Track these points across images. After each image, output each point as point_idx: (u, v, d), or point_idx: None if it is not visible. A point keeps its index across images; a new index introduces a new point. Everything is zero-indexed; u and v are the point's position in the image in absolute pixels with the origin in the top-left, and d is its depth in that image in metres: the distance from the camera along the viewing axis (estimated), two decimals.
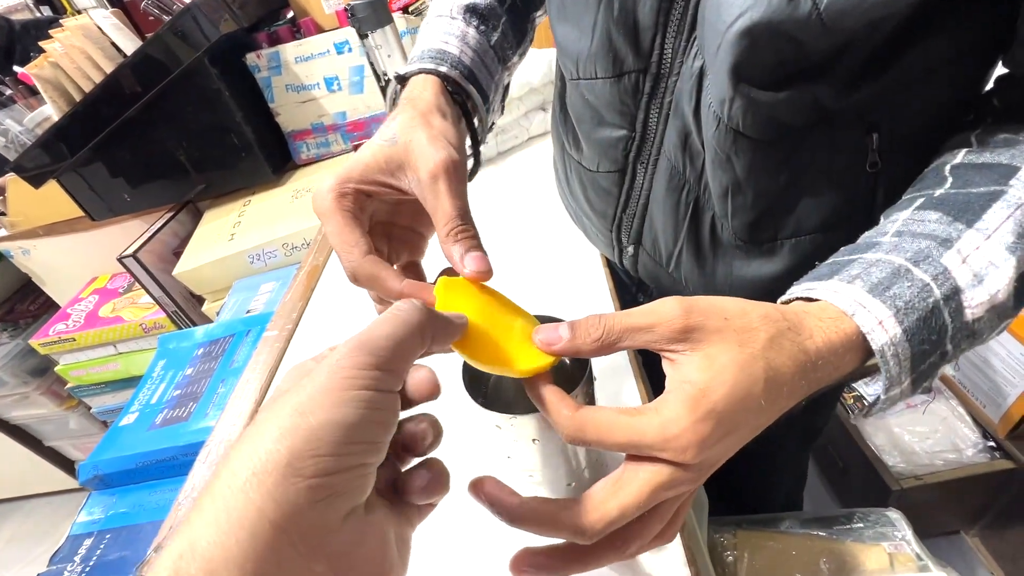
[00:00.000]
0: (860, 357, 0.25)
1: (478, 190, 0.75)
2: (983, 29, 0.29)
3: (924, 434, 0.99)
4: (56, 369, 1.19)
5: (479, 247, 0.27)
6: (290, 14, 1.00)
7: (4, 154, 0.95)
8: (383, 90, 0.93)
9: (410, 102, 0.33)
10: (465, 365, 0.28)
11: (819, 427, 0.65)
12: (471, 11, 0.39)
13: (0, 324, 1.40)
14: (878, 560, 0.49)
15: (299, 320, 0.61)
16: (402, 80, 0.36)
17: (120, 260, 0.98)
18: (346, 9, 0.85)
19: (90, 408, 1.49)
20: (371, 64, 0.91)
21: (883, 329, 0.24)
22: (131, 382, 1.21)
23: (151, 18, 0.98)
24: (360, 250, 0.28)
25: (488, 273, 0.27)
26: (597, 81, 0.37)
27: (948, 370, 1.01)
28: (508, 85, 0.46)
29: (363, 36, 0.85)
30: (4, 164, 1.23)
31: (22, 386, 1.43)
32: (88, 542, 0.59)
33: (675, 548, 0.32)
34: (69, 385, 1.22)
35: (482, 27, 0.39)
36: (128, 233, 1.14)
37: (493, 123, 0.44)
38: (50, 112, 0.92)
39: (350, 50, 0.95)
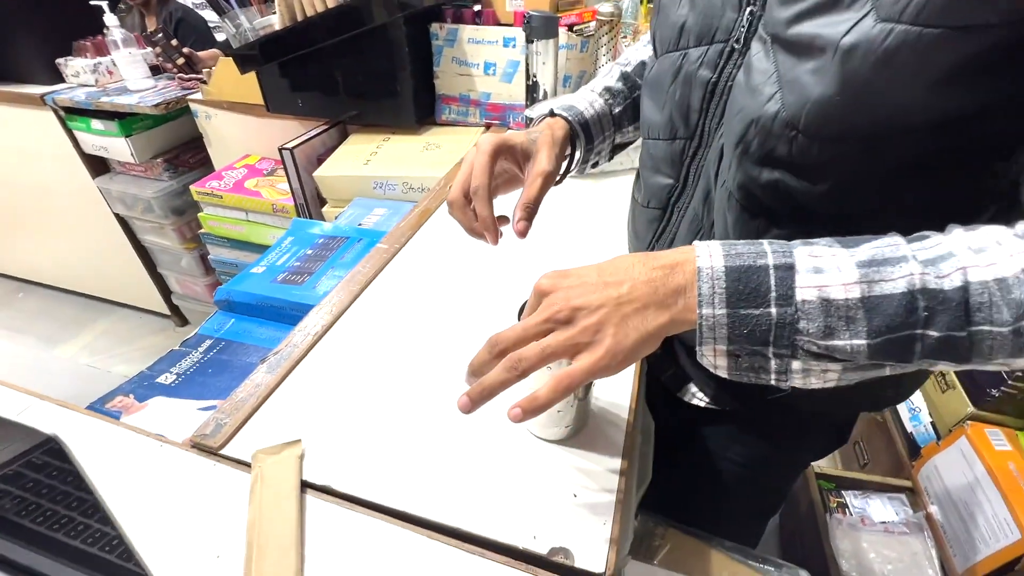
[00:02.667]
0: (688, 278, 0.32)
1: (574, 191, 0.90)
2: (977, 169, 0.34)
3: (889, 558, 1.03)
4: (199, 215, 1.46)
5: (526, 222, 0.45)
6: (477, 7, 1.17)
7: (231, 41, 1.20)
8: (528, 87, 1.09)
9: (548, 126, 0.52)
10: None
11: (773, 502, 0.71)
12: (607, 90, 0.59)
13: (166, 164, 1.71)
14: None
15: (405, 244, 0.78)
16: (550, 113, 0.55)
17: (280, 149, 1.21)
18: (525, 15, 1.01)
19: (207, 255, 1.80)
20: (526, 64, 1.07)
21: (709, 256, 0.31)
22: (247, 245, 1.47)
23: None
24: (486, 177, 0.46)
25: (522, 235, 0.45)
26: (659, 142, 0.51)
27: (936, 512, 1.04)
28: (626, 143, 0.63)
29: (530, 41, 1.01)
30: (227, 48, 1.50)
31: (163, 218, 1.75)
32: (208, 342, 0.80)
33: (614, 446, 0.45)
34: (202, 230, 1.50)
35: (609, 100, 0.58)
36: (287, 130, 1.38)
37: (597, 162, 0.61)
38: (274, 21, 1.15)
39: (514, 46, 1.12)
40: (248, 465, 0.45)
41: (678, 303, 0.32)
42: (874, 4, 0.30)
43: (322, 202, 1.27)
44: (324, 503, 0.43)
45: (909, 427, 1.13)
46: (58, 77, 1.65)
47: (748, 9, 0.40)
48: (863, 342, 0.29)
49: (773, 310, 0.30)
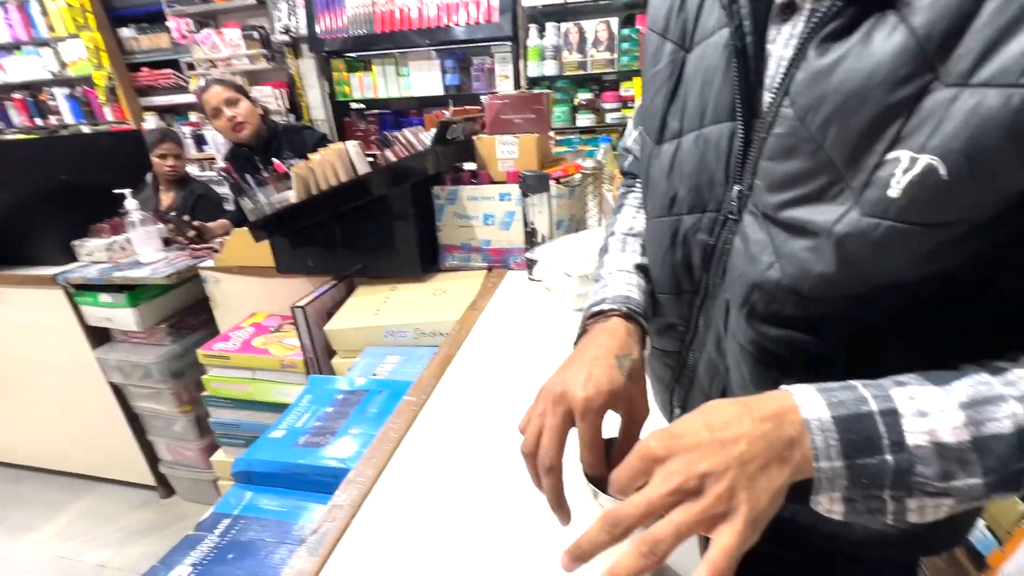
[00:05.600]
0: (798, 429, 0.31)
1: None
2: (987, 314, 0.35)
3: None
4: (203, 378, 1.45)
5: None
6: (473, 165, 1.33)
7: (248, 215, 1.30)
8: (527, 234, 1.19)
9: (609, 332, 0.47)
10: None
11: None
12: (639, 268, 0.56)
13: (168, 329, 1.73)
14: None
15: (431, 393, 0.79)
16: (595, 314, 0.51)
17: (293, 307, 1.26)
18: (519, 174, 1.14)
19: (201, 417, 1.74)
20: (524, 213, 1.18)
21: (812, 407, 0.31)
22: (250, 404, 1.44)
23: (373, 145, 1.35)
24: (559, 455, 0.40)
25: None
26: (665, 295, 0.53)
27: None
28: None
29: (526, 195, 1.13)
30: (237, 219, 1.63)
31: (161, 382, 1.72)
32: (225, 522, 0.75)
33: None
34: (205, 393, 1.47)
35: (642, 277, 0.56)
36: (294, 287, 1.44)
37: None
38: (290, 196, 1.27)
39: (509, 199, 1.24)
40: None
41: (795, 456, 0.31)
42: (856, 200, 0.33)
43: (331, 354, 1.28)
44: None
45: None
46: (71, 257, 1.73)
47: (737, 188, 0.42)
48: (979, 481, 0.30)
49: (889, 457, 0.30)
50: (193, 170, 3.17)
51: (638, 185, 0.67)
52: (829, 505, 0.32)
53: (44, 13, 3.03)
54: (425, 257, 1.34)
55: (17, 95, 3.34)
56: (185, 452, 1.88)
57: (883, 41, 0.31)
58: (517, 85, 2.46)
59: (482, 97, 2.47)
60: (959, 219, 0.31)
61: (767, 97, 0.39)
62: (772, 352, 0.42)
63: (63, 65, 3.14)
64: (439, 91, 2.54)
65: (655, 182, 0.50)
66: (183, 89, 3.06)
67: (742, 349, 0.44)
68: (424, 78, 2.53)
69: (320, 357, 1.32)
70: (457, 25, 2.33)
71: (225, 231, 1.98)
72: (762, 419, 0.32)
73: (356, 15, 2.40)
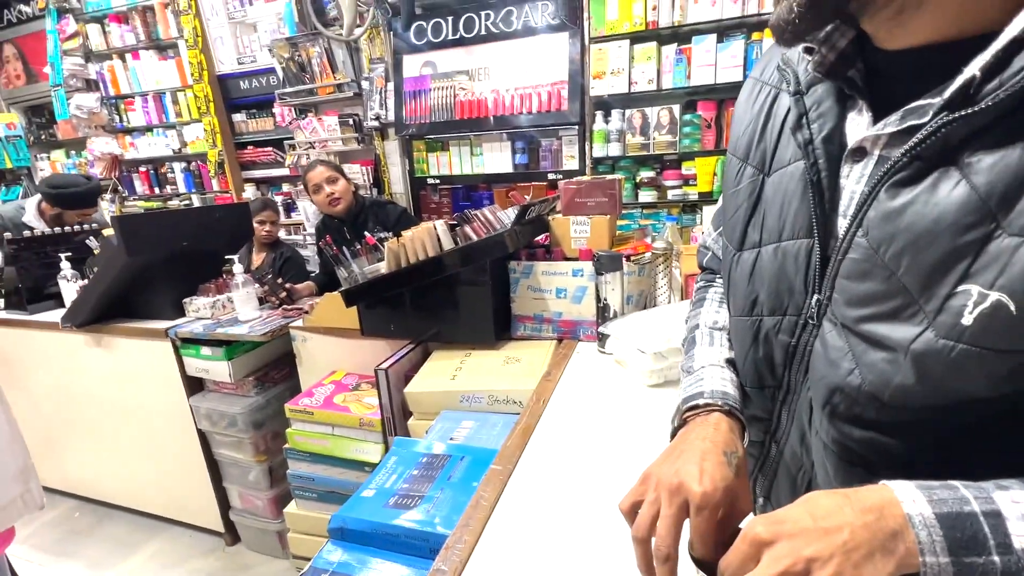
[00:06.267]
0: (900, 523, 0.32)
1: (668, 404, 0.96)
2: None
3: None
4: (287, 431, 1.55)
5: None
6: (547, 241, 1.42)
7: (343, 283, 1.45)
8: (599, 309, 1.25)
9: (713, 426, 0.50)
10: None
11: None
12: (730, 363, 0.59)
13: (255, 382, 1.88)
14: None
15: (516, 462, 0.83)
16: (694, 407, 0.54)
17: (376, 369, 1.35)
18: (593, 253, 1.22)
19: (274, 467, 1.83)
20: (596, 290, 1.24)
21: (913, 502, 0.32)
22: (328, 459, 1.51)
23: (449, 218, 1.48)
24: (675, 544, 0.42)
25: None
26: (750, 388, 0.55)
27: None
28: None
29: (599, 273, 1.20)
30: (328, 283, 1.78)
31: (243, 432, 1.84)
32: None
33: None
34: (287, 445, 1.57)
35: (733, 370, 0.59)
36: (375, 350, 1.55)
37: None
38: (382, 268, 1.41)
39: (581, 275, 1.32)
40: None
41: (899, 548, 0.32)
42: (931, 323, 0.36)
43: (407, 415, 1.35)
44: None
45: None
46: (180, 313, 1.94)
47: (815, 297, 0.45)
48: None
49: (996, 559, 0.31)
50: (282, 234, 3.51)
51: (718, 281, 0.70)
52: None
53: (175, 102, 3.58)
54: (498, 325, 1.42)
55: (143, 168, 3.88)
56: (255, 501, 1.96)
57: (948, 192, 0.35)
58: (583, 165, 2.61)
59: (550, 175, 2.65)
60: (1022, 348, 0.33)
61: (842, 223, 0.43)
62: (856, 452, 0.43)
63: (183, 144, 3.65)
64: (508, 168, 2.74)
65: (736, 284, 0.54)
66: (279, 164, 3.46)
67: (826, 447, 0.46)
68: (495, 157, 2.74)
69: (397, 417, 1.39)
70: (530, 112, 2.54)
71: (311, 292, 2.17)
72: (864, 510, 0.33)
73: (438, 104, 2.69)
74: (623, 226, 2.61)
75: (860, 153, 0.42)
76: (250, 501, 1.98)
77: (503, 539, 0.66)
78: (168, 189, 3.84)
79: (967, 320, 0.34)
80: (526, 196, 2.34)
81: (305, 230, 3.32)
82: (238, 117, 3.51)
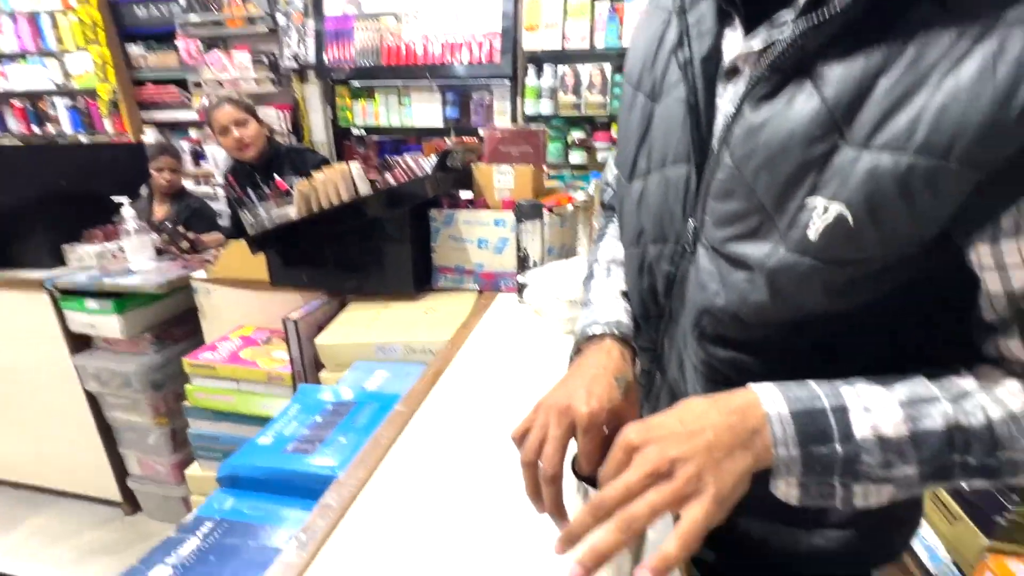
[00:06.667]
0: (759, 421, 0.35)
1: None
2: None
3: None
4: (186, 387, 1.43)
5: None
6: (470, 193, 1.38)
7: (248, 229, 1.33)
8: (519, 259, 1.24)
9: (605, 352, 0.51)
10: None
11: None
12: (624, 295, 0.60)
13: (152, 338, 1.72)
14: None
15: (421, 404, 0.81)
16: (589, 336, 0.54)
17: (284, 320, 1.27)
18: (515, 203, 1.20)
19: (176, 430, 1.71)
20: (517, 239, 1.23)
21: (772, 402, 0.36)
22: (233, 416, 1.42)
23: (374, 169, 1.40)
24: (560, 464, 0.42)
25: None
26: (640, 318, 0.57)
27: None
28: None
29: (520, 221, 1.18)
30: (238, 236, 1.65)
31: (139, 392, 1.69)
32: (209, 524, 0.75)
33: None
34: (186, 403, 1.45)
35: (629, 304, 0.60)
36: (286, 302, 1.45)
37: None
38: (291, 212, 1.31)
39: (504, 225, 1.29)
40: None
41: (756, 443, 0.35)
42: (783, 238, 0.39)
43: (319, 368, 1.29)
44: None
45: (932, 568, 1.10)
46: (59, 262, 1.73)
47: (691, 223, 0.48)
48: (914, 471, 0.35)
49: (839, 447, 0.35)
50: (189, 184, 3.20)
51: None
52: (786, 489, 0.36)
53: (55, 26, 3.10)
54: (418, 276, 1.37)
55: (17, 102, 3.37)
56: (156, 467, 1.83)
57: (801, 105, 0.37)
58: (514, 121, 2.56)
59: (480, 130, 2.57)
60: (866, 258, 0.36)
61: (714, 145, 0.45)
62: (721, 372, 0.47)
63: (67, 76, 3.19)
64: (439, 123, 2.63)
65: (627, 214, 0.55)
66: (186, 106, 3.12)
67: (696, 369, 0.49)
68: (425, 109, 2.62)
69: (308, 371, 1.32)
70: (460, 63, 2.44)
71: (219, 245, 2.00)
72: (728, 412, 0.37)
73: (364, 48, 2.51)
74: (554, 187, 2.61)
75: (734, 72, 0.43)
76: (151, 467, 1.85)
77: (397, 476, 0.65)
78: (50, 128, 3.37)
79: (812, 234, 0.37)
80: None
81: (215, 180, 3.04)
82: (135, 50, 3.11)
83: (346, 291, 1.43)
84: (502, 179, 1.35)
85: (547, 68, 2.45)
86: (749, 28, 0.41)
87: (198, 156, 3.22)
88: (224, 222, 2.35)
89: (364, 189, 1.25)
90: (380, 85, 2.64)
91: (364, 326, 1.25)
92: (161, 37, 3.04)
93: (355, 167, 1.26)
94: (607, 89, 2.41)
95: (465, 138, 2.59)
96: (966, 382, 0.37)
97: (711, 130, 0.45)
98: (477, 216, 1.31)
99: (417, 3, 2.47)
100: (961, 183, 0.32)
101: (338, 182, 1.24)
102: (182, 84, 3.07)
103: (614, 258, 0.65)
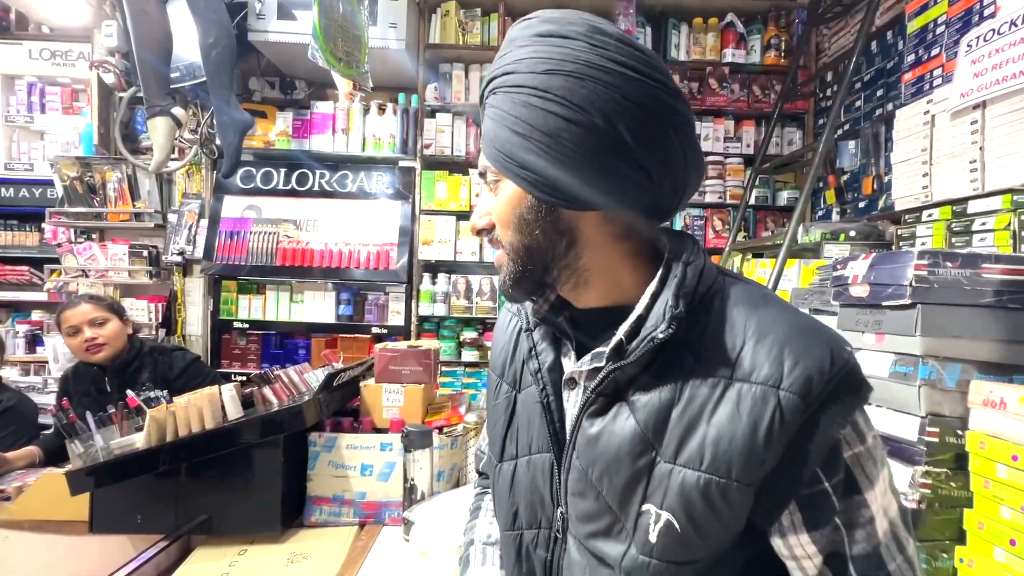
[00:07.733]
0: None
1: None
2: None
3: None
4: None
5: None
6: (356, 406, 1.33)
7: (74, 460, 1.11)
8: (406, 490, 1.15)
9: None
10: None
11: None
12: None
13: None
14: None
15: None
16: None
17: None
18: (403, 428, 1.16)
19: None
20: (404, 468, 1.16)
21: None
22: None
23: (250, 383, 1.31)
24: None
25: None
26: None
27: None
28: None
29: (408, 451, 1.14)
30: (62, 461, 1.36)
31: None
32: None
33: None
34: None
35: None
36: (111, 552, 1.16)
37: None
38: (137, 441, 1.13)
39: (391, 450, 1.23)
40: None
41: None
42: (631, 539, 0.45)
43: None
44: None
45: None
46: None
47: (559, 511, 0.51)
48: None
49: None
50: (12, 374, 2.70)
51: None
52: None
53: None
54: (287, 511, 1.20)
55: None
56: None
57: (622, 424, 0.45)
58: (408, 321, 2.65)
59: (375, 329, 2.60)
60: (697, 558, 0.43)
61: (568, 440, 0.51)
62: None
63: None
64: (331, 319, 2.62)
65: (500, 495, 0.58)
66: (36, 287, 2.80)
67: None
68: (318, 306, 2.62)
69: None
70: (358, 267, 2.56)
71: (32, 462, 1.62)
72: None
73: (258, 248, 2.55)
74: (446, 383, 2.62)
75: (572, 382, 0.52)
76: None
77: None
78: None
79: (652, 537, 0.43)
80: (339, 356, 2.23)
81: (50, 372, 2.61)
82: None
83: (193, 531, 1.19)
84: (391, 398, 1.33)
85: (441, 276, 2.66)
86: (580, 354, 0.51)
87: (34, 342, 2.80)
88: (50, 431, 1.93)
89: (234, 413, 1.14)
90: (272, 281, 2.64)
91: None
92: (27, 217, 2.85)
93: (227, 390, 1.16)
94: (495, 296, 2.65)
95: (357, 336, 2.58)
96: None
97: (564, 426, 0.52)
98: (361, 440, 1.24)
99: (318, 212, 2.65)
100: (744, 494, 0.41)
101: (204, 407, 1.13)
102: (37, 264, 2.80)
103: (490, 536, 0.67)
